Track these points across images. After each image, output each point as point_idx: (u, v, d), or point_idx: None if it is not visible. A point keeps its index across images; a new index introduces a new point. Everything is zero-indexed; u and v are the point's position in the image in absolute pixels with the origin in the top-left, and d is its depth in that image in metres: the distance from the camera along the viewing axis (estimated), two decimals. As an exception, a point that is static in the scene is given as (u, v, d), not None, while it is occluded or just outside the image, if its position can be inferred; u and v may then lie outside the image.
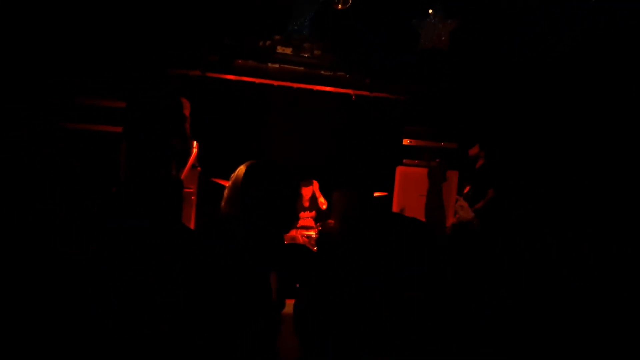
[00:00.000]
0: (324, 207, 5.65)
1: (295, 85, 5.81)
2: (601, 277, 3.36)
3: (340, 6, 4.64)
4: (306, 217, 5.71)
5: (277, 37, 5.45)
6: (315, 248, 5.17)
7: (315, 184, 5.75)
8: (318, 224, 5.60)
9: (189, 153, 3.49)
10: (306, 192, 5.72)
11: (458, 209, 3.71)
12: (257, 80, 5.73)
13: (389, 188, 5.71)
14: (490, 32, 5.06)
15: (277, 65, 5.68)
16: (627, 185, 4.26)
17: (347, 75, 5.90)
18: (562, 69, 4.92)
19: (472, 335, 1.83)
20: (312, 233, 5.43)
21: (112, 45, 4.77)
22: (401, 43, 5.35)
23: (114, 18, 4.61)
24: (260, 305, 1.60)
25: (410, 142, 5.82)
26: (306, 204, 5.72)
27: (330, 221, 5.68)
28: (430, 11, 4.88)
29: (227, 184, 2.00)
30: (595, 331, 2.91)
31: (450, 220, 4.06)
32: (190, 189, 4.98)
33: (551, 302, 3.13)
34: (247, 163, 1.98)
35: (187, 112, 3.63)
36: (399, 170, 5.80)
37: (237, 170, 2.03)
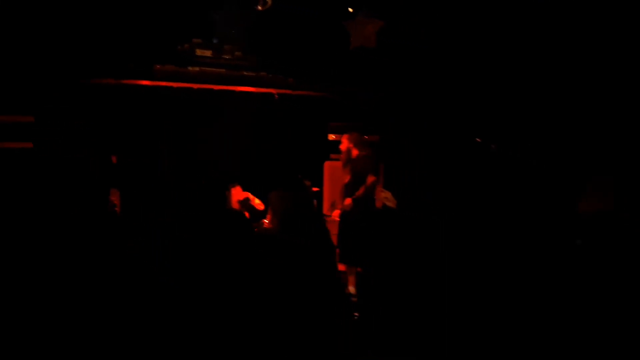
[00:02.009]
0: (262, 207, 5.60)
1: (216, 87, 5.71)
2: (595, 276, 3.42)
3: (260, 7, 4.65)
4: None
5: (196, 40, 5.34)
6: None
7: (238, 188, 5.68)
8: (253, 224, 5.55)
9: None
10: (235, 195, 5.65)
11: (384, 201, 3.87)
12: (176, 85, 5.57)
13: (319, 183, 5.80)
14: (415, 30, 5.27)
15: (197, 69, 5.55)
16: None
17: (270, 75, 5.89)
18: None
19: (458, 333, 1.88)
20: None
21: (17, 54, 4.42)
22: (326, 42, 5.45)
23: (20, 24, 4.28)
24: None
25: (335, 137, 5.94)
26: (237, 206, 5.65)
27: (263, 221, 5.66)
28: (351, 10, 5.03)
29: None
30: (586, 329, 2.97)
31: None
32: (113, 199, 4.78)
33: (542, 301, 3.18)
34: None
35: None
36: (327, 165, 5.91)
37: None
